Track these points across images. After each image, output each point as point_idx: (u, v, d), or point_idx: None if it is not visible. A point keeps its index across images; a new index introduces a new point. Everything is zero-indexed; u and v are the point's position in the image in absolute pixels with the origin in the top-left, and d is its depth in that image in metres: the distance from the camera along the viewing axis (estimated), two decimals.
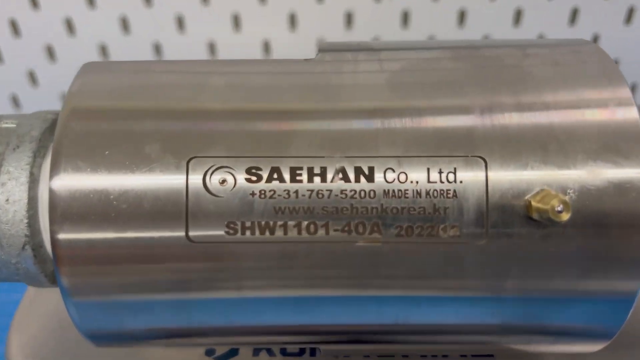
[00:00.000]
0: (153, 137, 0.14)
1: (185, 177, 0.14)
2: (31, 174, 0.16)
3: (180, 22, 0.33)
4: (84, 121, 0.15)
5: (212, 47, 0.34)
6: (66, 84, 0.16)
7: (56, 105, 0.34)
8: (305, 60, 0.16)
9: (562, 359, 0.19)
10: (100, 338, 0.16)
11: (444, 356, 0.19)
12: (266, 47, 0.34)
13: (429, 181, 0.14)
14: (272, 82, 0.15)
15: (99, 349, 0.20)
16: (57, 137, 0.15)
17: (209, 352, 0.20)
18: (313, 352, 0.20)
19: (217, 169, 0.14)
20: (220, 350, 0.20)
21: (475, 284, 0.15)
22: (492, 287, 0.15)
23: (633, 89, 0.36)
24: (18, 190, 0.16)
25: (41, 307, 0.22)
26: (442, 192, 0.14)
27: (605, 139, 0.14)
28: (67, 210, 0.14)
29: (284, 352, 0.20)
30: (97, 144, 0.14)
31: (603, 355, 0.19)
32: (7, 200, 0.16)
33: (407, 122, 0.14)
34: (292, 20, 0.33)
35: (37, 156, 0.17)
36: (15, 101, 0.38)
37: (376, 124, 0.14)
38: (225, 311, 0.15)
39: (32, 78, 0.36)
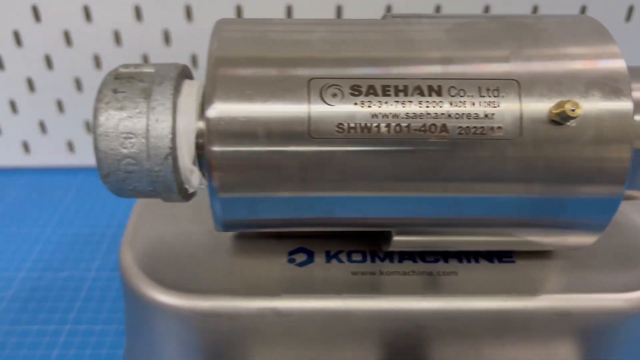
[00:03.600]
0: (282, 69, 0.20)
1: (307, 91, 0.20)
2: (174, 103, 0.22)
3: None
4: (229, 65, 0.20)
5: None
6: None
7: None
8: (378, 21, 0.22)
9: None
10: (231, 226, 0.21)
11: (475, 260, 0.25)
12: None
13: (479, 95, 0.20)
14: (360, 35, 0.21)
15: (202, 263, 0.25)
16: (208, 77, 0.20)
17: (290, 260, 0.25)
18: (373, 259, 0.25)
19: (329, 86, 0.20)
20: (299, 259, 0.25)
21: (513, 178, 0.20)
22: (525, 182, 0.20)
23: None
24: (165, 113, 0.21)
25: (154, 228, 0.26)
26: (489, 102, 0.20)
27: (602, 75, 0.20)
28: (223, 129, 0.19)
29: (350, 259, 0.25)
30: (242, 78, 0.20)
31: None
32: (157, 120, 0.21)
33: (463, 62, 0.20)
34: None
35: (176, 91, 0.22)
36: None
37: (441, 63, 0.20)
38: (334, 203, 0.20)
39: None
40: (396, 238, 0.22)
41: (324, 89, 0.20)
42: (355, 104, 0.20)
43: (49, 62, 0.43)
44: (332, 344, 0.24)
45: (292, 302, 0.23)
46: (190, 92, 0.22)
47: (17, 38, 0.42)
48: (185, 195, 0.23)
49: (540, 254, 0.25)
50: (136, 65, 0.23)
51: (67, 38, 0.42)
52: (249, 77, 0.20)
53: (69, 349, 0.33)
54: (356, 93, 0.20)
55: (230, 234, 0.26)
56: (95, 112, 0.21)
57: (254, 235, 0.26)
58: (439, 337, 0.24)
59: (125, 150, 0.21)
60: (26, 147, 0.47)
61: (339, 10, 0.41)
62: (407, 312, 0.23)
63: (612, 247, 0.26)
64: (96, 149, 0.21)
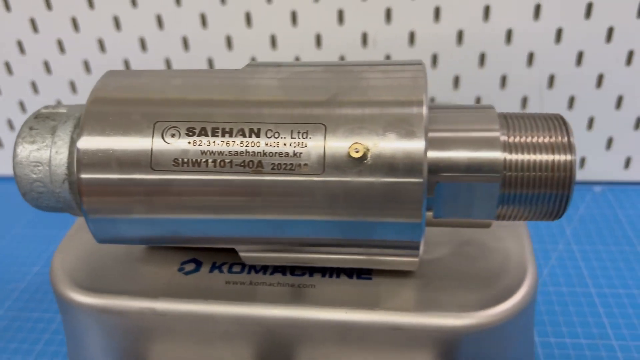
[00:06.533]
0: (137, 111, 0.25)
1: (152, 132, 0.24)
2: (72, 138, 0.27)
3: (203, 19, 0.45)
4: (100, 105, 0.25)
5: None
6: None
7: None
8: (234, 70, 0.26)
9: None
10: (106, 241, 0.26)
11: (337, 275, 0.28)
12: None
13: (291, 137, 0.23)
14: (208, 82, 0.25)
15: (113, 269, 0.30)
16: (83, 115, 0.25)
17: (180, 269, 0.29)
18: (249, 271, 0.29)
19: (170, 127, 0.24)
20: (188, 268, 0.29)
21: (321, 207, 0.23)
22: (331, 209, 0.23)
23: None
24: (63, 147, 0.27)
25: (82, 239, 0.32)
26: (299, 143, 0.23)
27: (400, 119, 0.23)
28: (86, 159, 0.24)
29: (230, 270, 0.29)
30: (106, 117, 0.25)
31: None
32: (57, 152, 0.27)
33: (283, 107, 0.24)
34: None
35: (76, 128, 0.27)
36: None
37: (265, 107, 0.24)
38: (177, 224, 0.25)
39: None
40: (242, 254, 0.26)
41: (166, 130, 0.24)
42: (189, 142, 0.24)
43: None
44: (207, 344, 0.28)
45: (167, 305, 0.27)
46: None
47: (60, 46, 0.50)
48: None
49: (399, 272, 0.28)
50: (55, 106, 0.28)
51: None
52: (109, 116, 0.25)
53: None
54: (190, 133, 0.24)
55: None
56: (15, 145, 0.27)
57: (161, 247, 0.31)
58: (298, 342, 0.27)
59: (34, 176, 0.27)
60: None
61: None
62: (263, 318, 0.27)
63: (473, 269, 0.28)
64: (14, 174, 0.27)
